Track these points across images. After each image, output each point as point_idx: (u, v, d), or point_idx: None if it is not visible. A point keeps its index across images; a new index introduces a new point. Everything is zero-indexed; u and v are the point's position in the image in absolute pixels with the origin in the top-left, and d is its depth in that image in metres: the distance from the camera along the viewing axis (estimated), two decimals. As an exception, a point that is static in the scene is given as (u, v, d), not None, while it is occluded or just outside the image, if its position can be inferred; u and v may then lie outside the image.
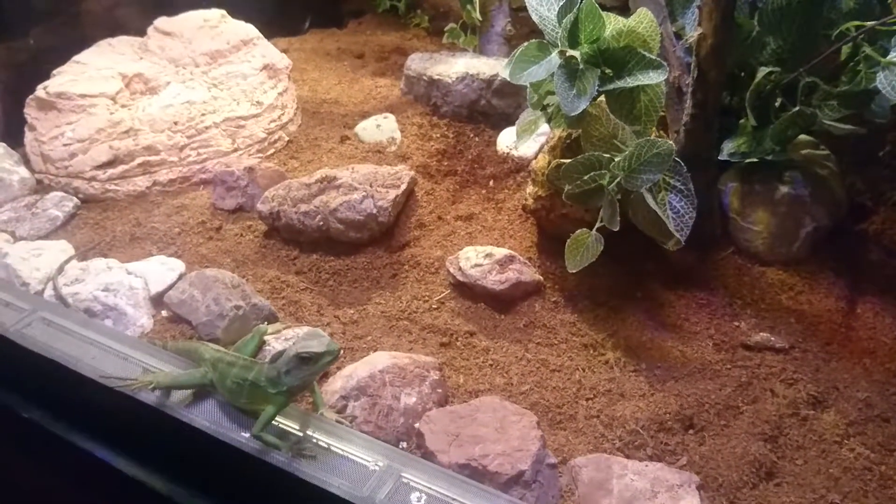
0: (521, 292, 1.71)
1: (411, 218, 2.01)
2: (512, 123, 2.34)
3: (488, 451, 1.22)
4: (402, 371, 1.40)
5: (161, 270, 1.72)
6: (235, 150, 2.25)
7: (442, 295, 1.77)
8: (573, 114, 1.45)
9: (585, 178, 1.47)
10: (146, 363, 1.43)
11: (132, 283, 1.65)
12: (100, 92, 2.17)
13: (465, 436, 1.26)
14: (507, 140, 2.27)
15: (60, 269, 1.74)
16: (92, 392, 1.38)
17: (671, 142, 1.40)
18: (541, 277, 1.75)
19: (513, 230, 1.96)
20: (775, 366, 1.55)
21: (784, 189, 1.75)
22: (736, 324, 1.65)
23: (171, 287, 1.68)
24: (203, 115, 2.22)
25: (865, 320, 1.66)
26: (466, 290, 1.76)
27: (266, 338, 1.48)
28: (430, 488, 1.18)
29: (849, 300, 1.71)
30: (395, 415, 1.34)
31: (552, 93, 1.57)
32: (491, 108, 2.42)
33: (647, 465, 1.22)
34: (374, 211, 1.85)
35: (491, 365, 1.59)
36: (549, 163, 1.73)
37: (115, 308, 1.61)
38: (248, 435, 1.27)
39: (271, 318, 1.63)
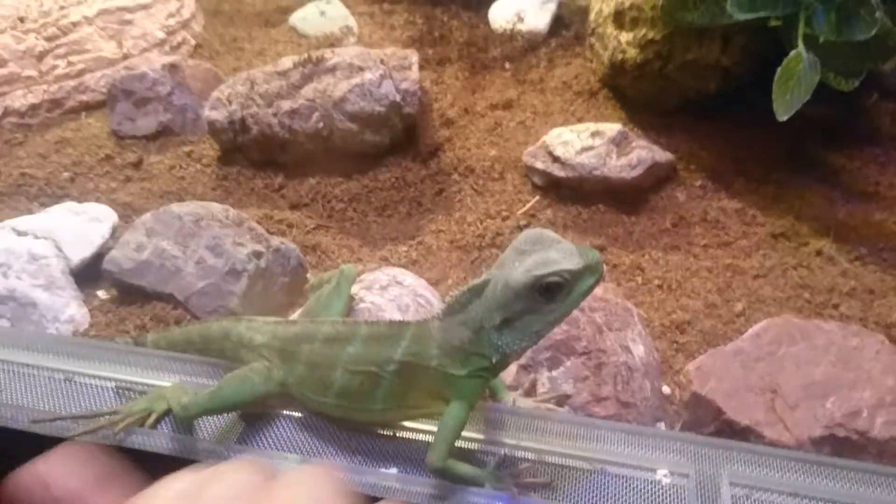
0: (653, 179, 1.17)
1: (430, 114, 1.38)
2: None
3: (854, 406, 0.68)
4: (607, 305, 0.80)
5: (78, 223, 0.98)
6: (125, 58, 1.48)
7: (527, 205, 1.18)
8: None
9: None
10: (117, 378, 0.74)
11: (33, 248, 0.90)
12: None
13: (789, 388, 0.70)
14: (504, 14, 1.70)
15: None
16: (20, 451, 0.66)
17: None
18: (672, 155, 1.21)
19: (577, 111, 1.40)
20: None
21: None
22: (939, 180, 1.22)
23: (104, 247, 0.95)
24: (63, 7, 1.44)
25: None
26: (565, 191, 1.19)
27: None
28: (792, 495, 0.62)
29: None
30: (637, 376, 0.74)
31: None
32: (459, -17, 1.82)
33: None
34: (398, 97, 1.22)
35: (659, 286, 1.04)
36: (662, -10, 1.18)
37: (12, 297, 0.86)
38: (395, 471, 0.64)
39: (301, 270, 0.97)
